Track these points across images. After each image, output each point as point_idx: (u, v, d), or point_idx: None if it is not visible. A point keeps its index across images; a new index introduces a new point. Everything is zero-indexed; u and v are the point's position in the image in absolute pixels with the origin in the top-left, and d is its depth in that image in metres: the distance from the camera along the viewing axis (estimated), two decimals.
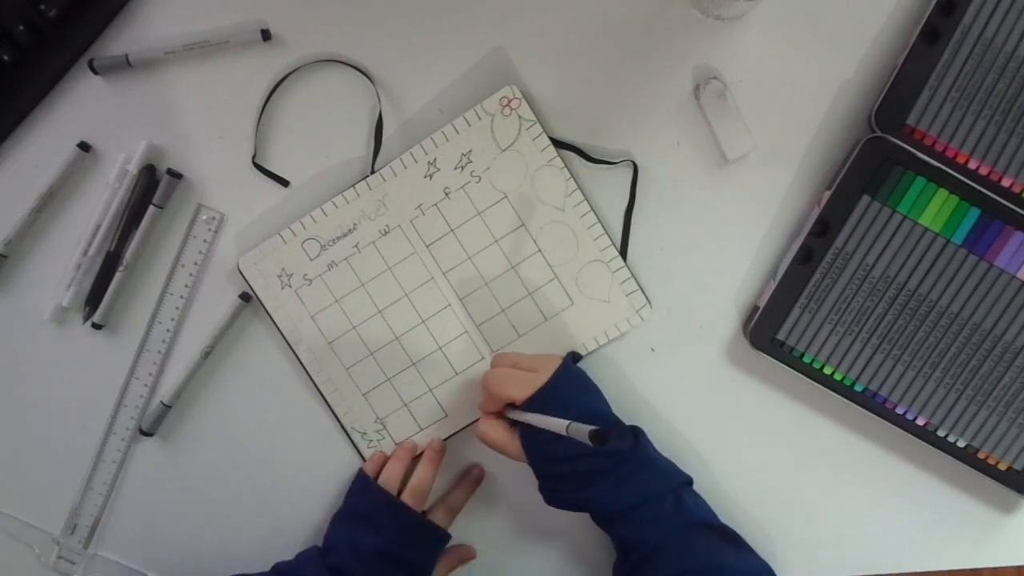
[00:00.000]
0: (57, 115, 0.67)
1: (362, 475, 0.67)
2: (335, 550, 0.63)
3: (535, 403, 0.59)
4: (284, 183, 0.67)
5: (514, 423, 0.62)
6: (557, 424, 0.53)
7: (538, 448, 0.60)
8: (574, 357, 0.65)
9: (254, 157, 0.67)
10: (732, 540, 0.60)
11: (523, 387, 0.60)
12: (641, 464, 0.60)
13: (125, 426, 0.69)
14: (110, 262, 0.67)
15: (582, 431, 0.50)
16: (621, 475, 0.59)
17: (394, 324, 0.67)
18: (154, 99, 0.67)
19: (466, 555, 0.69)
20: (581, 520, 0.62)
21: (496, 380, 0.61)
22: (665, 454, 0.62)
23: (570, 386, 0.61)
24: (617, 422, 0.62)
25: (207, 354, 0.67)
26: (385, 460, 0.67)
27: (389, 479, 0.66)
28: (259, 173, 0.67)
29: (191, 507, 0.70)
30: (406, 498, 0.65)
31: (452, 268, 0.67)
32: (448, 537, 0.66)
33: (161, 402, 0.68)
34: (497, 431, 0.62)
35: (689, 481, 0.62)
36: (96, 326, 0.67)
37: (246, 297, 0.67)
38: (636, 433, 0.62)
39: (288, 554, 0.65)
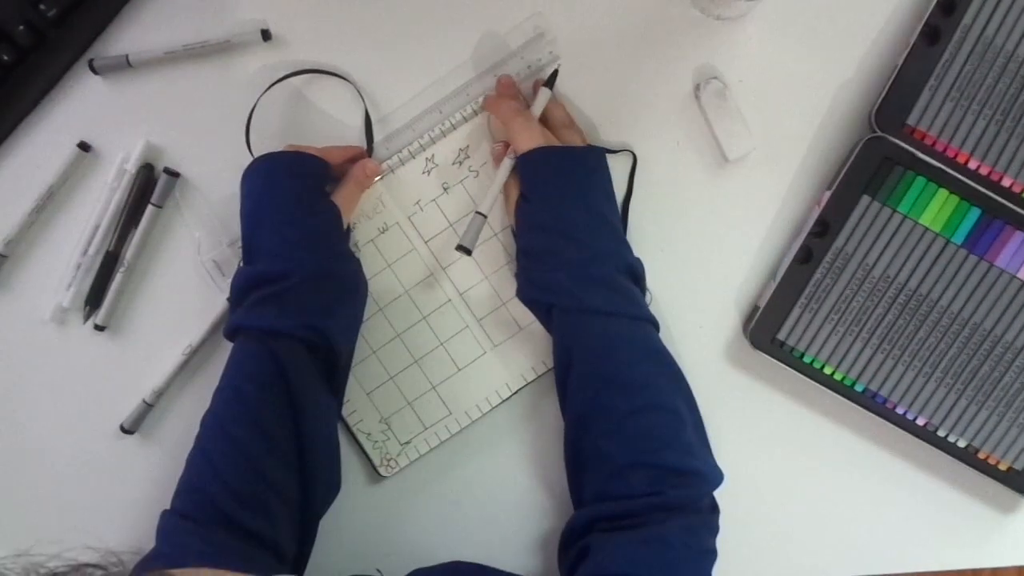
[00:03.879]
0: (57, 115, 0.67)
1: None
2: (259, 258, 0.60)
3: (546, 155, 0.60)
4: None
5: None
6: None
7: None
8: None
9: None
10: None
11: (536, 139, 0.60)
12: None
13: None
14: (110, 262, 0.67)
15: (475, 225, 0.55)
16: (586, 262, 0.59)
17: (395, 322, 0.67)
18: (154, 99, 0.67)
19: (356, 155, 0.64)
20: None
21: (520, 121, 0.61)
22: None
23: (593, 171, 0.62)
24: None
25: (194, 352, 0.67)
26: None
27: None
28: None
29: None
30: None
31: (452, 263, 0.67)
32: (325, 163, 0.62)
33: (143, 400, 0.67)
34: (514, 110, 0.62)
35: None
36: (98, 327, 0.67)
37: None
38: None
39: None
